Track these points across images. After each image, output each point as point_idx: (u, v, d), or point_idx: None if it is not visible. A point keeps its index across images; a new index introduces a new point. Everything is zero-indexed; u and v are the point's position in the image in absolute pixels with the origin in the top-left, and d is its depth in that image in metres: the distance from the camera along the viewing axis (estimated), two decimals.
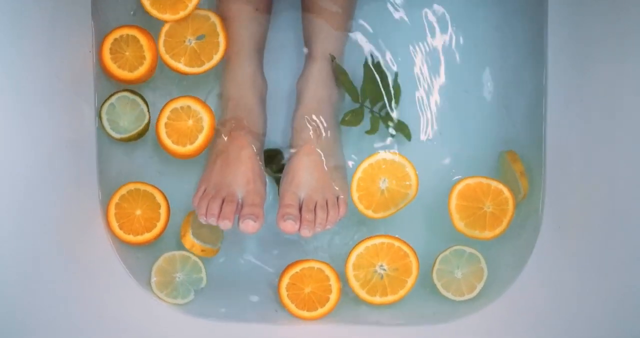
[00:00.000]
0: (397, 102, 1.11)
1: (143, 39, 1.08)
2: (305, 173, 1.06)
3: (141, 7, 1.05)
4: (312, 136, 1.09)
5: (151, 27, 1.09)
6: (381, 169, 1.09)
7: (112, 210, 1.09)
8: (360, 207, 1.09)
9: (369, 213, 1.10)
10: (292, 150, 1.09)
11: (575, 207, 1.08)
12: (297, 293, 1.07)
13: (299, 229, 1.02)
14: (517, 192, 1.10)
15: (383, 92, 1.11)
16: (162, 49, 1.07)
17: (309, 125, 1.10)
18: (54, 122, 1.03)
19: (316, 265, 1.08)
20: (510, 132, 1.15)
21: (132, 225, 1.09)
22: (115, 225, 1.08)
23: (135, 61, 1.08)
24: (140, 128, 1.10)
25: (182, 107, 1.07)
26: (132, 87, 1.11)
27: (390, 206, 1.10)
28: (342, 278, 1.08)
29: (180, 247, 1.10)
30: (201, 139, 1.07)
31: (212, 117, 1.07)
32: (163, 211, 1.09)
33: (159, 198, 1.10)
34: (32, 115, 0.99)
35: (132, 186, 1.10)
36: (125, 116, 1.10)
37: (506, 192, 1.09)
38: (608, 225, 1.02)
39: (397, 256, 1.08)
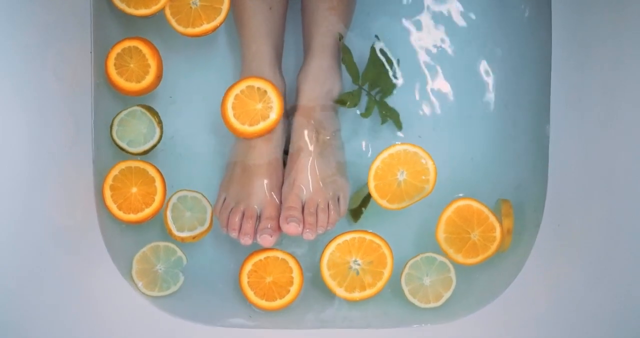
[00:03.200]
0: (391, 91, 1.15)
1: (145, 48, 1.11)
2: (306, 175, 1.08)
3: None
4: (312, 136, 1.10)
5: (150, 33, 1.15)
6: (400, 160, 1.10)
7: (107, 192, 1.10)
8: (375, 195, 1.10)
9: (383, 203, 1.10)
10: (292, 149, 1.11)
11: (576, 209, 1.09)
12: (258, 281, 1.09)
13: (301, 232, 1.05)
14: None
15: (383, 77, 1.15)
16: (180, 29, 1.10)
17: (308, 125, 1.11)
18: (51, 120, 1.08)
19: (281, 255, 1.10)
20: (510, 132, 1.17)
21: (130, 204, 1.10)
22: (114, 207, 1.10)
23: (141, 71, 1.11)
24: (149, 147, 1.13)
25: (258, 88, 1.09)
26: (143, 98, 1.14)
27: (405, 198, 1.10)
28: (318, 279, 1.10)
29: (150, 239, 1.13)
30: (261, 126, 1.09)
31: (280, 110, 1.09)
32: (159, 184, 1.11)
33: (152, 172, 1.11)
34: (31, 114, 1.04)
35: (123, 165, 1.11)
36: (137, 131, 1.13)
37: (497, 232, 1.09)
38: (609, 226, 1.03)
39: (369, 249, 1.08)
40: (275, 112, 1.08)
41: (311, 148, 1.09)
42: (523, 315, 1.09)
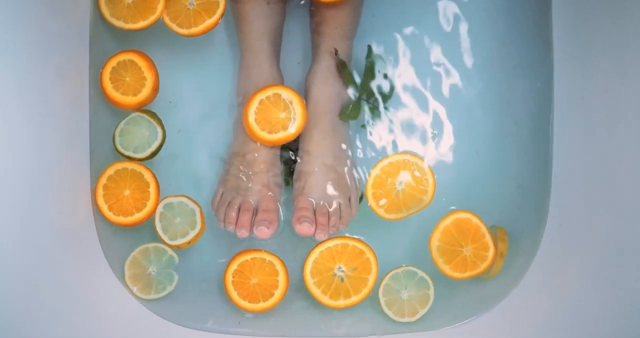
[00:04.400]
0: (389, 97, 1.15)
1: (141, 61, 1.11)
2: (317, 176, 1.10)
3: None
4: (322, 137, 1.11)
5: (147, 41, 1.16)
6: (400, 169, 1.10)
7: (100, 191, 1.10)
8: (373, 204, 1.10)
9: (381, 212, 1.10)
10: (302, 150, 1.11)
11: (580, 209, 1.09)
12: (243, 281, 1.09)
13: (314, 233, 1.05)
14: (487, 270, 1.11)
15: (377, 87, 1.15)
16: (183, 31, 1.11)
17: (318, 126, 1.11)
18: (50, 123, 1.09)
19: (268, 257, 1.10)
20: (512, 132, 1.17)
21: (121, 206, 1.10)
22: (104, 207, 1.10)
23: (137, 84, 1.10)
24: (155, 147, 1.13)
25: (284, 98, 1.09)
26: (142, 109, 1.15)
27: (403, 209, 1.10)
28: (302, 286, 1.10)
29: (140, 242, 1.14)
30: (280, 136, 1.09)
31: (302, 124, 1.09)
32: (153, 190, 1.11)
33: (148, 177, 1.11)
34: (31, 117, 1.05)
35: (119, 166, 1.11)
36: (139, 137, 1.13)
37: (490, 252, 1.09)
38: (614, 228, 1.03)
39: (353, 255, 1.08)
40: (296, 125, 1.09)
41: (321, 149, 1.10)
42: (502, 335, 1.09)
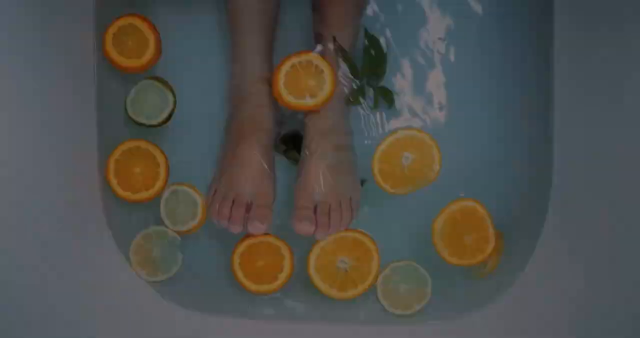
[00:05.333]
0: (384, 72, 1.16)
1: (140, 23, 1.10)
2: (319, 176, 1.09)
3: None
4: (324, 137, 1.11)
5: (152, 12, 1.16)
6: (407, 144, 1.09)
7: (112, 165, 1.12)
8: (379, 178, 1.10)
9: (387, 187, 1.10)
10: (305, 151, 1.12)
11: (580, 209, 1.09)
12: (249, 263, 1.11)
13: (314, 232, 1.06)
14: (482, 266, 1.11)
15: (380, 65, 1.16)
16: None
17: (321, 125, 1.11)
18: (56, 98, 1.08)
19: (275, 241, 1.12)
20: (513, 131, 1.18)
21: (130, 182, 1.12)
22: (114, 182, 1.12)
23: (141, 45, 1.11)
24: (167, 113, 1.14)
25: (316, 66, 1.09)
26: (150, 73, 1.15)
27: (409, 184, 1.10)
28: (306, 272, 1.11)
29: (143, 224, 1.15)
30: (306, 102, 1.09)
31: (330, 94, 1.08)
32: (162, 171, 1.13)
33: (160, 158, 1.13)
34: (35, 92, 1.05)
35: (132, 143, 1.13)
36: (151, 104, 1.13)
37: (490, 246, 1.10)
38: (613, 227, 1.03)
39: (353, 246, 1.10)
40: (323, 94, 1.08)
41: (324, 149, 1.10)
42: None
